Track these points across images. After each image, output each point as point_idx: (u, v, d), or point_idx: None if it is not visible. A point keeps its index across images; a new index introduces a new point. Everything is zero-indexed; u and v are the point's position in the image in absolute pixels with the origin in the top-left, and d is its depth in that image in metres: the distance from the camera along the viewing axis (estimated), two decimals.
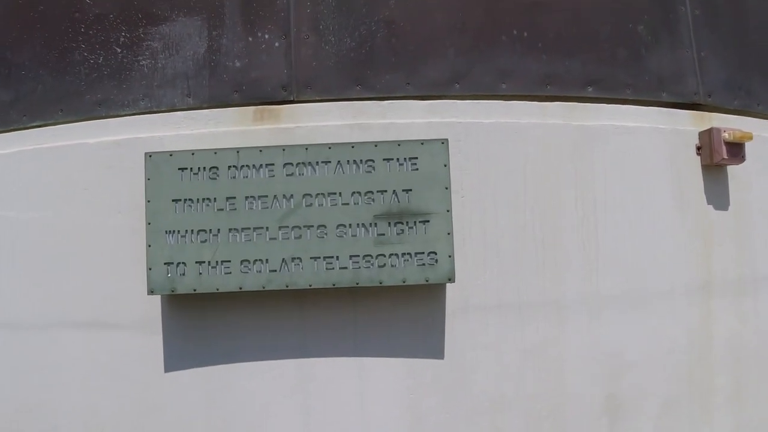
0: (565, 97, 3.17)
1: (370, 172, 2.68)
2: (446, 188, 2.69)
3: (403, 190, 2.68)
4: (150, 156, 2.74)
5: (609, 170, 3.06)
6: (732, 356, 3.33)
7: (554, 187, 2.96)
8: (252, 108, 2.97)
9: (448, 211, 2.68)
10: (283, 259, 2.66)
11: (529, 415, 2.92)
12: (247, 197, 2.68)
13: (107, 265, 2.93)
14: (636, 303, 3.07)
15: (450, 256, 2.66)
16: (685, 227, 3.20)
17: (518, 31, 3.15)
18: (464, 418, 2.87)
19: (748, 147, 3.37)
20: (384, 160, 2.69)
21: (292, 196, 2.67)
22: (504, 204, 2.91)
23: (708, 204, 3.25)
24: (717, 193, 3.31)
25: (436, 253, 2.66)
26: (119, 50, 3.16)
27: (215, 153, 2.72)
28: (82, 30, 3.21)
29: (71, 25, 3.22)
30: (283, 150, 2.70)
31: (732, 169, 3.35)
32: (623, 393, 3.04)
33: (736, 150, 3.21)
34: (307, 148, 2.70)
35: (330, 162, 2.68)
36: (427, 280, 2.66)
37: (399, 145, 2.71)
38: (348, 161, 2.68)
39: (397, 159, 2.69)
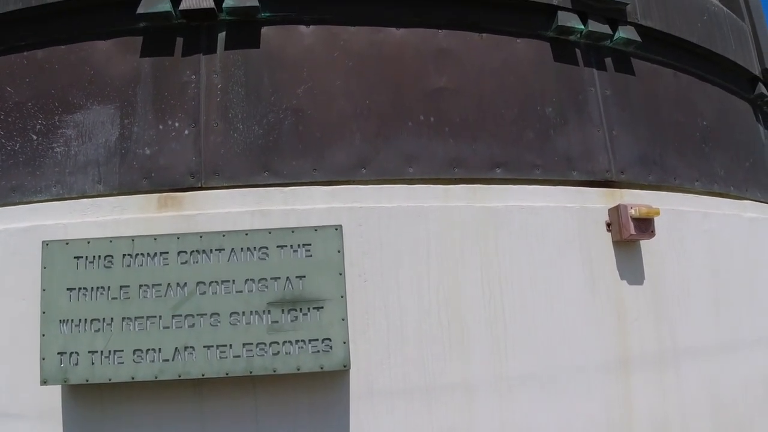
0: (472, 179, 3.21)
1: (264, 259, 2.67)
2: (340, 274, 2.67)
3: (297, 277, 2.66)
4: (47, 244, 2.73)
5: (514, 249, 3.06)
6: None
7: (458, 268, 2.96)
8: (157, 195, 2.98)
9: (342, 296, 2.66)
10: (176, 347, 2.61)
11: None
12: (141, 285, 2.66)
13: (7, 353, 2.87)
14: (549, 382, 3.03)
15: (345, 343, 2.62)
16: (598, 303, 3.19)
17: (424, 116, 3.22)
18: None
19: (664, 221, 3.40)
20: (278, 247, 2.68)
21: (185, 284, 2.65)
22: (408, 287, 2.89)
23: (621, 279, 3.26)
24: (631, 268, 3.31)
25: (330, 340, 2.62)
26: (35, 137, 3.20)
27: (110, 241, 2.71)
28: (1, 116, 3.25)
29: None
30: (178, 238, 2.69)
31: (646, 244, 3.37)
32: None
33: (645, 225, 3.24)
34: (201, 236, 2.69)
35: (224, 249, 2.68)
36: (321, 368, 2.61)
37: (293, 231, 2.71)
38: (242, 248, 2.68)
39: (291, 246, 2.68)
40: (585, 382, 3.12)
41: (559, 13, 3.48)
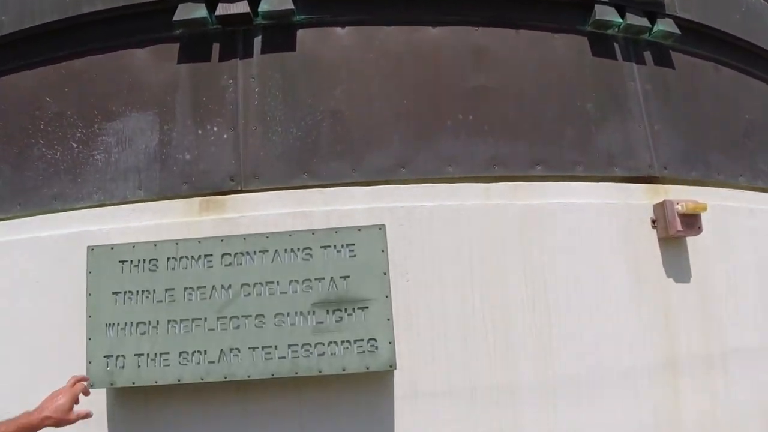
0: (513, 177, 3.22)
1: (307, 260, 2.71)
2: (384, 274, 2.70)
3: (341, 277, 2.69)
4: (92, 249, 2.80)
5: (558, 248, 3.06)
6: None
7: (501, 268, 2.97)
8: (198, 199, 3.04)
9: (387, 297, 2.68)
10: (222, 349, 2.65)
11: None
12: (185, 288, 2.71)
13: (55, 358, 2.94)
14: (595, 384, 3.01)
15: (390, 343, 2.64)
16: (645, 303, 3.17)
17: (463, 116, 3.24)
18: None
19: (710, 217, 3.37)
20: (321, 247, 2.72)
21: (230, 286, 2.70)
22: (451, 287, 2.91)
23: (668, 277, 3.23)
24: (677, 266, 3.29)
25: (376, 340, 2.64)
26: (75, 145, 3.29)
27: (155, 245, 2.77)
28: (41, 126, 3.35)
29: (31, 122, 3.36)
30: (222, 240, 2.75)
31: (692, 241, 3.34)
32: None
33: (692, 221, 3.21)
34: (245, 238, 2.74)
35: (268, 251, 2.72)
36: (367, 368, 2.63)
37: (336, 232, 2.74)
38: (286, 250, 2.72)
39: (335, 246, 2.72)
40: (632, 385, 3.09)
41: (597, 6, 3.48)
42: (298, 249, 2.72)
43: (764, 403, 3.51)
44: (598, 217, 3.17)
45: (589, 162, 3.36)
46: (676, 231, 3.16)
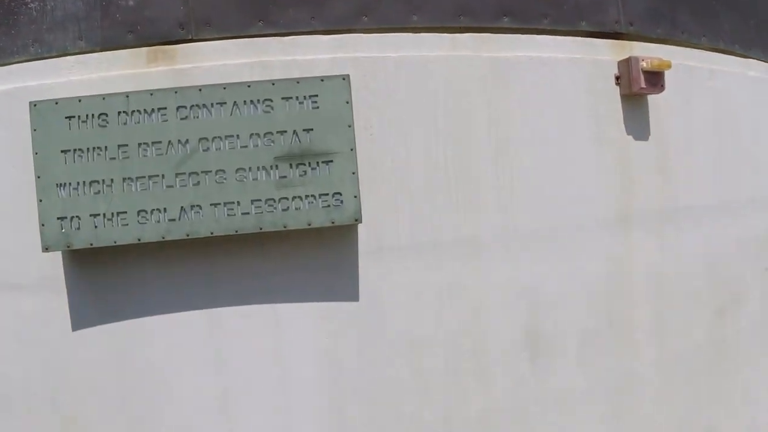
0: (479, 28, 3.10)
1: (268, 112, 2.61)
2: (349, 126, 2.63)
3: (304, 130, 2.61)
4: (35, 105, 2.62)
5: (523, 102, 3.02)
6: (653, 287, 3.40)
7: (467, 122, 2.92)
8: (146, 49, 2.85)
9: (352, 150, 2.63)
10: (182, 207, 2.59)
11: (449, 354, 2.95)
12: (140, 144, 2.59)
13: (5, 223, 2.83)
14: (555, 237, 3.09)
15: (356, 197, 2.63)
16: (605, 159, 3.20)
17: None
18: (383, 360, 2.89)
19: (672, 76, 3.37)
20: (283, 99, 2.61)
21: (187, 140, 2.60)
22: (415, 140, 2.87)
23: (628, 134, 3.26)
24: (637, 124, 3.31)
25: (341, 194, 2.62)
26: None
27: (103, 98, 2.61)
28: None
29: None
30: (176, 92, 2.60)
31: (653, 99, 3.35)
32: (544, 328, 3.08)
33: (655, 79, 3.20)
34: (200, 90, 2.61)
35: (226, 103, 2.60)
36: (333, 222, 2.63)
37: (298, 82, 2.63)
38: (245, 101, 2.60)
39: (297, 97, 2.62)
40: (590, 237, 3.19)
41: None
42: (258, 101, 2.61)
43: (711, 256, 3.71)
44: (563, 72, 3.12)
45: (557, 15, 3.25)
46: (639, 88, 3.15)
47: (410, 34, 2.96)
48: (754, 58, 4.35)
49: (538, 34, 3.20)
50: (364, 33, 2.93)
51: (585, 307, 3.18)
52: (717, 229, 3.73)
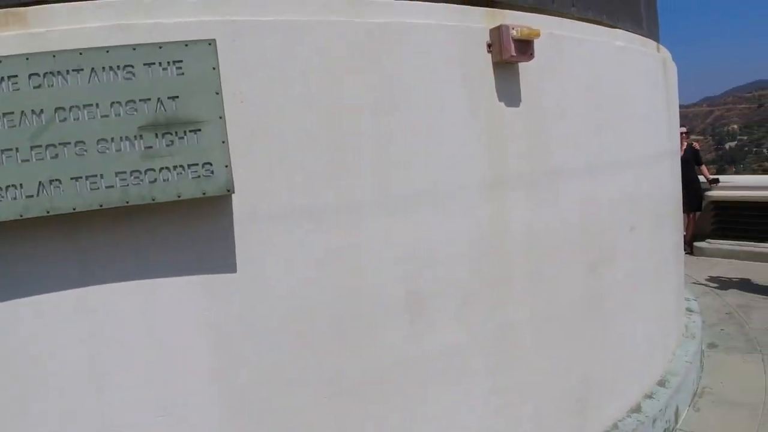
0: None
1: (130, 79, 2.50)
2: (217, 93, 2.58)
3: (169, 98, 2.53)
4: None
5: (397, 68, 3.07)
6: (529, 246, 3.60)
7: (341, 87, 2.93)
8: None
9: (220, 117, 2.58)
10: (40, 182, 2.45)
11: (332, 319, 3.01)
12: None
13: None
14: (431, 201, 3.20)
15: (227, 166, 2.59)
16: (477, 124, 3.33)
17: None
18: (267, 329, 2.90)
19: (543, 44, 3.53)
20: (145, 65, 2.51)
21: (42, 110, 2.44)
22: (288, 107, 2.85)
23: (500, 100, 3.40)
24: (509, 90, 3.46)
25: (211, 164, 2.58)
26: None
27: None
28: None
29: None
30: (27, 59, 2.44)
31: (525, 66, 3.50)
32: (424, 289, 3.20)
33: (525, 47, 3.35)
34: (54, 56, 2.46)
35: (83, 70, 2.46)
36: (204, 193, 2.58)
37: (161, 47, 2.53)
38: (104, 68, 2.48)
39: (160, 63, 2.52)
40: (466, 200, 3.33)
41: None
42: (119, 67, 2.49)
43: (583, 216, 3.97)
44: (437, 39, 3.20)
45: None
46: (509, 56, 3.29)
47: None
48: (620, 28, 4.64)
49: (412, 0, 3.26)
50: None
51: (464, 266, 3.33)
52: (588, 189, 3.98)
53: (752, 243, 10.97)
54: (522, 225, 3.55)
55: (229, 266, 2.81)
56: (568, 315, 3.92)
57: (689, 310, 7.06)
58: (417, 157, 3.13)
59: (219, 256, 2.79)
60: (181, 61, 2.54)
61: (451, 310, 3.31)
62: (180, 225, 2.71)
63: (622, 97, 4.37)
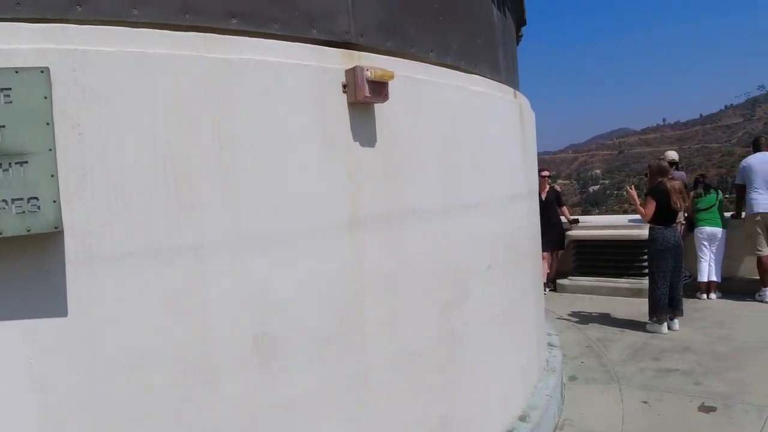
0: (205, 27, 3.09)
1: None
2: (48, 124, 2.45)
3: None
4: None
5: (251, 106, 3.06)
6: (383, 288, 3.66)
7: (190, 123, 2.88)
8: None
9: (50, 150, 2.45)
10: None
11: (174, 367, 2.88)
12: None
13: None
14: (285, 241, 3.18)
15: (55, 201, 2.46)
16: (334, 164, 3.37)
17: None
18: (101, 378, 2.73)
19: (399, 87, 3.65)
20: None
21: None
22: (131, 141, 2.75)
23: (355, 141, 3.46)
24: (364, 131, 3.53)
25: (37, 199, 2.43)
26: None
27: None
28: None
29: None
30: None
31: (380, 108, 3.61)
32: (275, 332, 3.15)
33: (380, 88, 3.45)
34: None
35: None
36: (28, 230, 2.43)
37: None
38: None
39: None
40: (319, 242, 3.33)
41: None
42: None
43: (438, 255, 4.10)
44: (292, 78, 3.23)
45: (288, 20, 3.37)
46: (364, 96, 3.38)
47: (129, 28, 2.85)
48: (478, 74, 4.90)
49: (268, 38, 3.28)
50: (77, 24, 2.76)
51: (317, 309, 3.32)
52: (443, 229, 4.13)
53: (611, 279, 11.81)
54: (377, 266, 3.61)
55: (60, 310, 2.63)
56: (424, 355, 4.01)
57: (551, 344, 7.44)
58: (269, 196, 3.10)
59: (48, 300, 2.61)
60: (10, 89, 2.40)
61: (304, 355, 3.27)
62: (6, 264, 2.52)
63: (478, 140, 4.60)
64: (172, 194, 2.83)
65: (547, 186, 12.44)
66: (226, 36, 3.10)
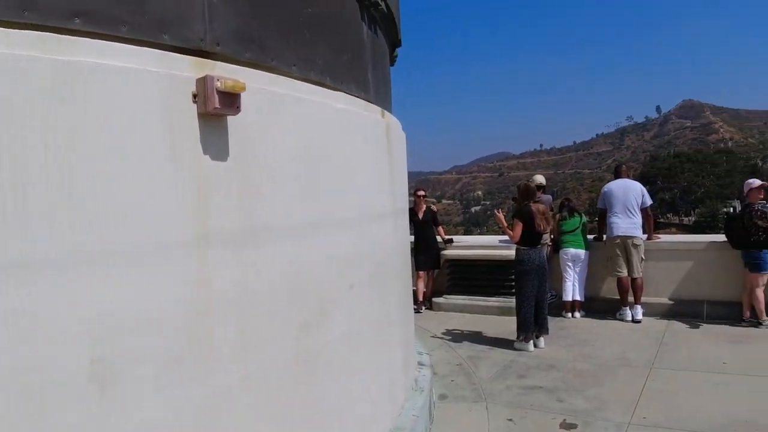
0: (45, 26, 2.88)
1: None
2: None
3: None
4: None
5: (91, 112, 2.86)
6: (236, 308, 3.55)
7: (21, 129, 2.64)
8: None
9: None
10: None
11: (2, 396, 2.61)
12: None
13: None
14: (125, 258, 2.99)
15: None
16: (179, 178, 3.22)
17: None
18: None
19: (257, 100, 3.59)
20: None
21: None
22: None
23: (205, 154, 3.35)
24: (216, 144, 3.42)
25: None
26: None
27: None
28: None
29: None
30: None
31: (234, 121, 3.52)
32: (115, 356, 2.94)
33: (231, 100, 3.36)
34: None
35: None
36: None
37: None
38: None
39: None
40: (165, 259, 3.16)
41: None
42: None
43: (296, 274, 4.04)
44: (138, 85, 3.08)
45: (138, 24, 3.21)
46: (213, 108, 3.27)
47: None
48: (344, 91, 4.93)
49: (115, 41, 3.12)
50: None
51: (164, 329, 3.15)
52: (302, 248, 4.08)
53: (482, 298, 12.25)
54: (229, 285, 3.49)
55: None
56: (281, 377, 3.92)
57: (421, 363, 7.55)
58: (109, 209, 2.90)
59: None
60: None
61: (149, 380, 3.08)
62: None
63: (341, 158, 4.61)
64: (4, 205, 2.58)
65: (424, 206, 12.73)
66: (68, 37, 2.91)
